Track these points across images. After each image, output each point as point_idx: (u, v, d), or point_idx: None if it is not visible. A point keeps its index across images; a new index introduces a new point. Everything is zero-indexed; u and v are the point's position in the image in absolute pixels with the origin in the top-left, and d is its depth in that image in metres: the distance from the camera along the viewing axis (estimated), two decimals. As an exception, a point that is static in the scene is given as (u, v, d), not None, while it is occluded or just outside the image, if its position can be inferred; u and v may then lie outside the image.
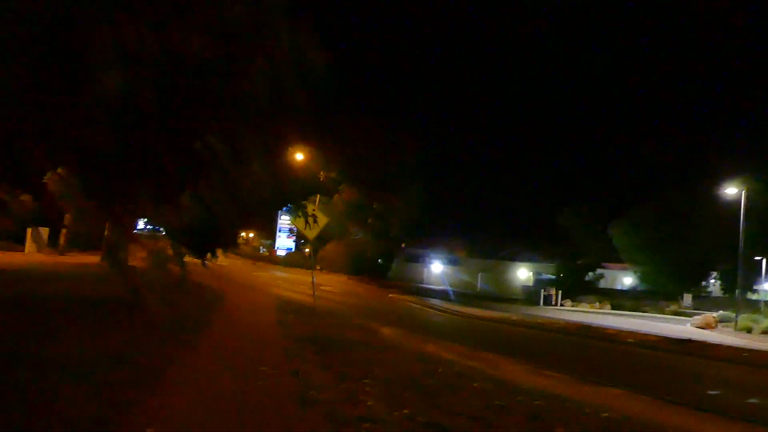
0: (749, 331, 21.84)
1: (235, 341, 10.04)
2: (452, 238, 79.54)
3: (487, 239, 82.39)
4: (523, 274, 57.54)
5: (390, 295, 29.32)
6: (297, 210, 14.31)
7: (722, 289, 52.59)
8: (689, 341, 15.24)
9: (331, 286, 31.94)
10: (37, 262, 27.09)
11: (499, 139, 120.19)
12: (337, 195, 44.92)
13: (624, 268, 55.35)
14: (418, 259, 61.59)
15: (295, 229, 71.28)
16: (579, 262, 44.77)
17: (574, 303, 34.66)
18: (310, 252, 61.17)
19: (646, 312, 35.37)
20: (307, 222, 14.17)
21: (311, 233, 14.29)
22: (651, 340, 15.54)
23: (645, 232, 42.74)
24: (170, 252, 17.15)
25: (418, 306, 24.60)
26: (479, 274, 56.69)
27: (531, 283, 53.34)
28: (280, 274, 43.17)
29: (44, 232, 38.33)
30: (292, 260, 61.92)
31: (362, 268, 47.84)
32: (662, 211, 42.24)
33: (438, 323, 18.63)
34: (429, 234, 75.47)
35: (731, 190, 26.15)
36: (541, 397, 6.56)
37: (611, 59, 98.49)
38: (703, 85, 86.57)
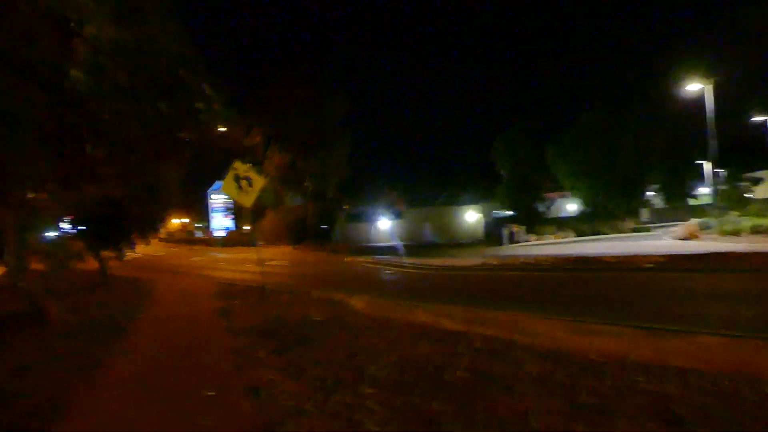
0: (737, 233, 20.70)
1: (164, 350, 7.51)
2: (388, 191, 77.83)
3: (423, 187, 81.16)
4: (471, 216, 56.25)
5: (345, 259, 26.95)
6: (226, 176, 11.71)
7: (665, 200, 53.43)
8: (710, 255, 13.65)
9: (277, 259, 29.31)
10: None
11: (423, 80, 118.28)
12: (266, 161, 41.77)
13: (563, 196, 55.01)
14: (361, 218, 59.17)
15: (232, 203, 67.71)
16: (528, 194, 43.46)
17: (539, 236, 33.31)
18: (250, 228, 58.26)
19: (607, 233, 34.57)
20: (239, 186, 11.53)
21: (247, 199, 11.64)
22: (665, 261, 13.69)
23: (576, 155, 42.05)
24: (76, 247, 14.24)
25: (378, 266, 22.29)
26: (425, 223, 54.96)
27: (481, 225, 52.63)
28: (220, 255, 40.05)
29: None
30: (231, 239, 58.44)
31: (305, 235, 45.21)
32: (588, 131, 41.69)
33: (410, 282, 16.30)
34: (365, 191, 73.44)
35: (694, 87, 24.81)
36: (645, 372, 4.38)
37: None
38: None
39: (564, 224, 37.40)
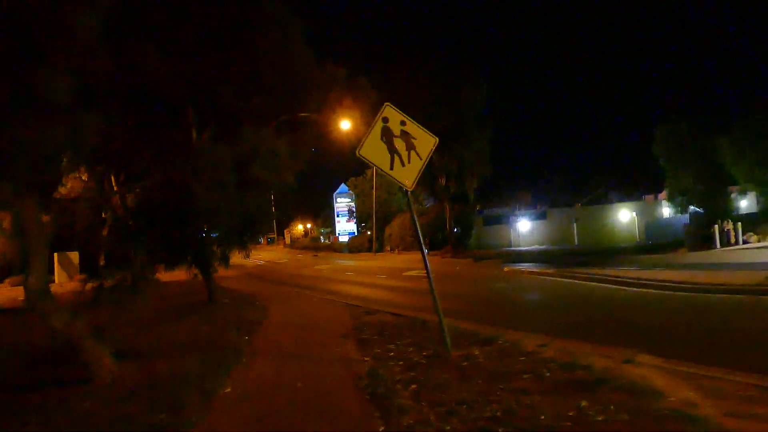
0: None
1: None
2: (519, 191, 70.24)
3: (561, 185, 72.72)
4: (624, 216, 48.72)
5: (505, 269, 21.22)
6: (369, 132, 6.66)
7: None
8: None
9: (415, 268, 24.32)
10: (59, 294, 20.88)
11: (561, 67, 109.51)
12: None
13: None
14: (498, 221, 53.09)
15: (352, 207, 64.00)
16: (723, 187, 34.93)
17: (761, 237, 25.44)
18: (372, 232, 53.85)
19: None
20: (393, 149, 6.44)
21: (408, 172, 6.55)
22: None
23: (763, 142, 32.70)
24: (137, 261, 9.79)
25: (559, 279, 16.33)
26: (572, 225, 48.16)
27: (635, 225, 45.82)
28: (346, 262, 35.97)
29: (74, 256, 32.56)
30: (356, 245, 54.68)
31: (440, 240, 39.96)
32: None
33: (662, 315, 10.26)
34: (500, 190, 66.52)
35: None
36: None
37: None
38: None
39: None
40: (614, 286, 13.70)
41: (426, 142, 6.68)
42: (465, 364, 5.92)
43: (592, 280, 14.89)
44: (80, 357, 6.71)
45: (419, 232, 6.92)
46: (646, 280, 13.27)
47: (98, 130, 7.27)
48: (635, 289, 13.03)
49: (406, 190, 6.72)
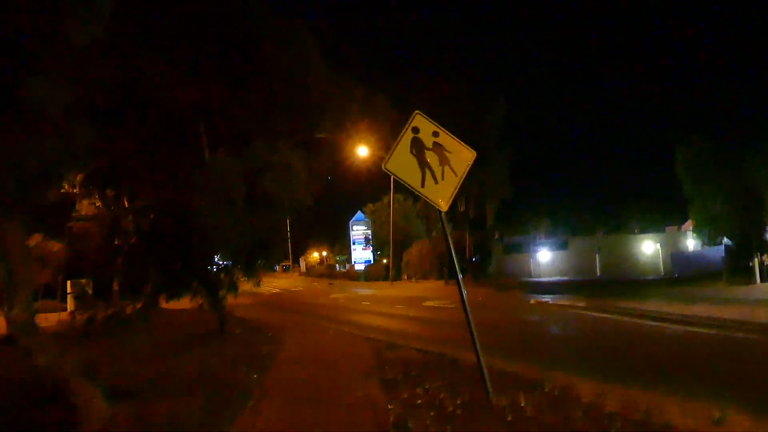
0: None
1: None
2: (539, 219, 68.94)
3: (579, 214, 71.29)
4: (648, 247, 47.36)
5: (531, 301, 20.10)
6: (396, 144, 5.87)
7: None
8: None
9: (436, 298, 23.32)
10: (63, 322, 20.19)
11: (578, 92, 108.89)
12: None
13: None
14: (518, 249, 51.82)
15: (370, 233, 62.96)
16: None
17: (803, 272, 24.13)
18: (387, 261, 52.85)
19: None
20: (425, 163, 5.64)
21: (443, 190, 5.73)
22: None
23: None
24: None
25: (593, 314, 15.25)
26: (595, 256, 46.80)
27: (659, 257, 43.49)
28: (363, 291, 35.01)
29: (88, 284, 32.01)
30: (372, 273, 53.60)
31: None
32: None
33: (730, 360, 8.85)
34: (519, 218, 65.24)
35: None
36: None
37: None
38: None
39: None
40: (659, 323, 12.45)
41: (462, 156, 5.85)
42: (510, 417, 4.98)
43: (632, 315, 13.73)
44: (69, 398, 5.96)
45: (454, 258, 6.07)
46: (694, 317, 12.06)
47: (93, 145, 6.59)
48: (684, 327, 11.77)
49: (439, 211, 5.86)
